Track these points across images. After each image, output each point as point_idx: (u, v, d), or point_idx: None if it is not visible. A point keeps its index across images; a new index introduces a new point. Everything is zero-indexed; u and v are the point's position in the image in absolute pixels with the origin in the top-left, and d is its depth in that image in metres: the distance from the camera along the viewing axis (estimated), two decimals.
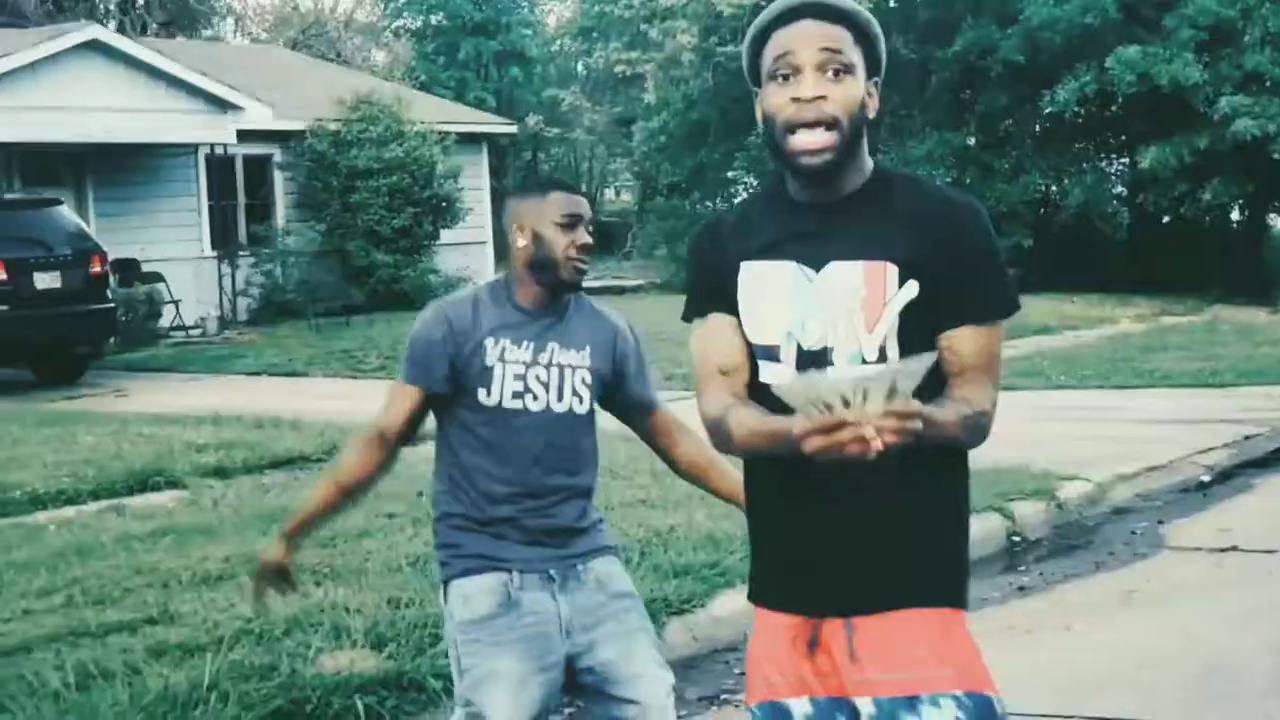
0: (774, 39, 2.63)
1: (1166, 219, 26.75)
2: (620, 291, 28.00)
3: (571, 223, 3.60)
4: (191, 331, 21.83)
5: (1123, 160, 24.67)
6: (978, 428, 2.59)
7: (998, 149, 26.10)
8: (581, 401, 3.67)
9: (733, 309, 2.71)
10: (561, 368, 3.65)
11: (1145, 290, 24.05)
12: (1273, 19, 22.63)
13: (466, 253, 27.01)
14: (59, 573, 6.72)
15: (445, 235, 25.91)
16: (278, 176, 25.16)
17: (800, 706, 2.71)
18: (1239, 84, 22.52)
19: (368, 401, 13.23)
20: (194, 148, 23.06)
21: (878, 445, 2.29)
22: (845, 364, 2.58)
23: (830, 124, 2.56)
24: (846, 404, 2.30)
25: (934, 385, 2.52)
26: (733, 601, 6.08)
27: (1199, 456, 10.02)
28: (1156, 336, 18.63)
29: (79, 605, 6.10)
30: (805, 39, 2.59)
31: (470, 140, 27.90)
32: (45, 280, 15.88)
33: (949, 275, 2.60)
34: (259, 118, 22.50)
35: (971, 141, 26.24)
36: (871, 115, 2.62)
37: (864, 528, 2.64)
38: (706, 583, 6.41)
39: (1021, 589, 7.11)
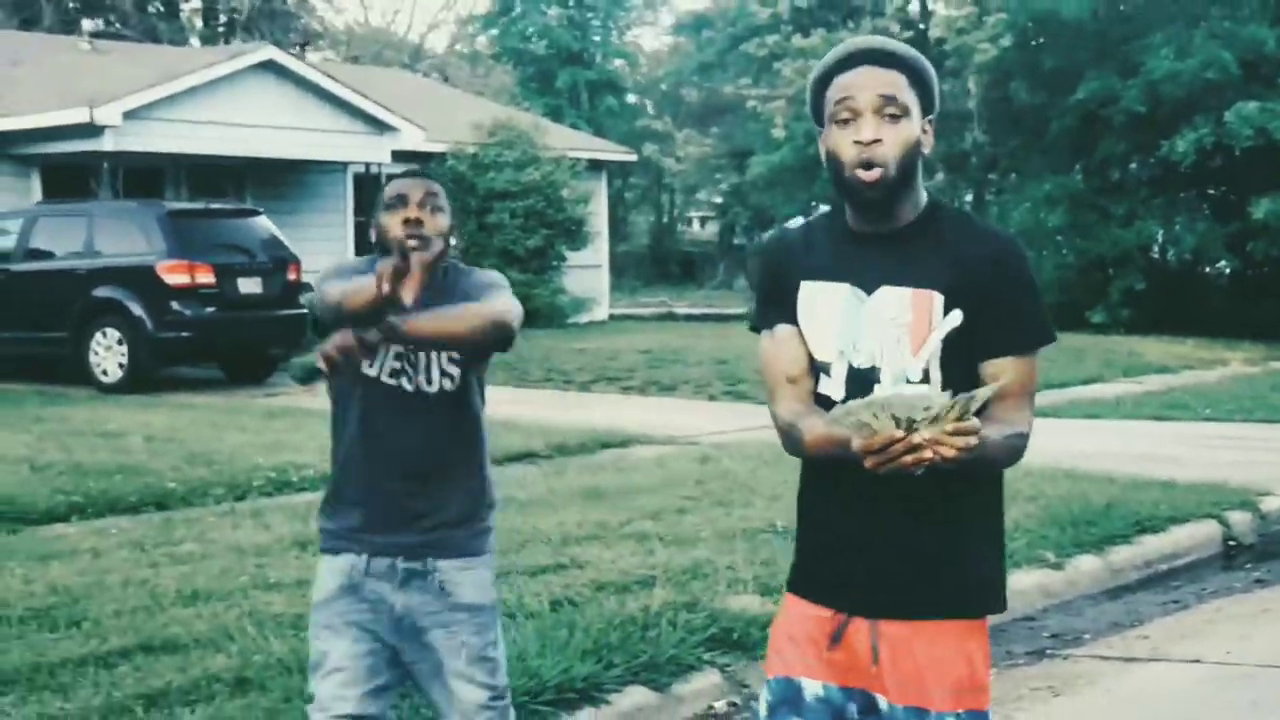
0: (835, 83, 2.85)
1: (1266, 269, 27.57)
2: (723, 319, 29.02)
3: (397, 203, 3.56)
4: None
5: (1234, 209, 25.48)
6: (1016, 449, 2.80)
7: (1113, 194, 26.99)
8: (453, 382, 3.63)
9: (796, 321, 2.91)
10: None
11: (1248, 335, 24.81)
12: None
13: (584, 275, 28.10)
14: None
15: (570, 257, 27.01)
16: None
17: (812, 687, 2.92)
18: None
19: (554, 409, 14.45)
20: (344, 165, 24.22)
21: (928, 457, 2.51)
22: (890, 383, 2.78)
23: (887, 165, 2.78)
24: (910, 423, 2.51)
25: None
26: None
27: None
28: (1277, 377, 19.48)
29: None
30: (864, 84, 2.81)
31: (593, 167, 29.06)
32: (248, 285, 16.98)
33: (991, 306, 2.79)
34: (413, 139, 23.68)
35: (1088, 185, 27.11)
36: (926, 152, 2.85)
37: (901, 536, 2.84)
38: None
39: (1259, 581, 8.09)
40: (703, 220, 62.39)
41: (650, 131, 49.91)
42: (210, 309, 16.57)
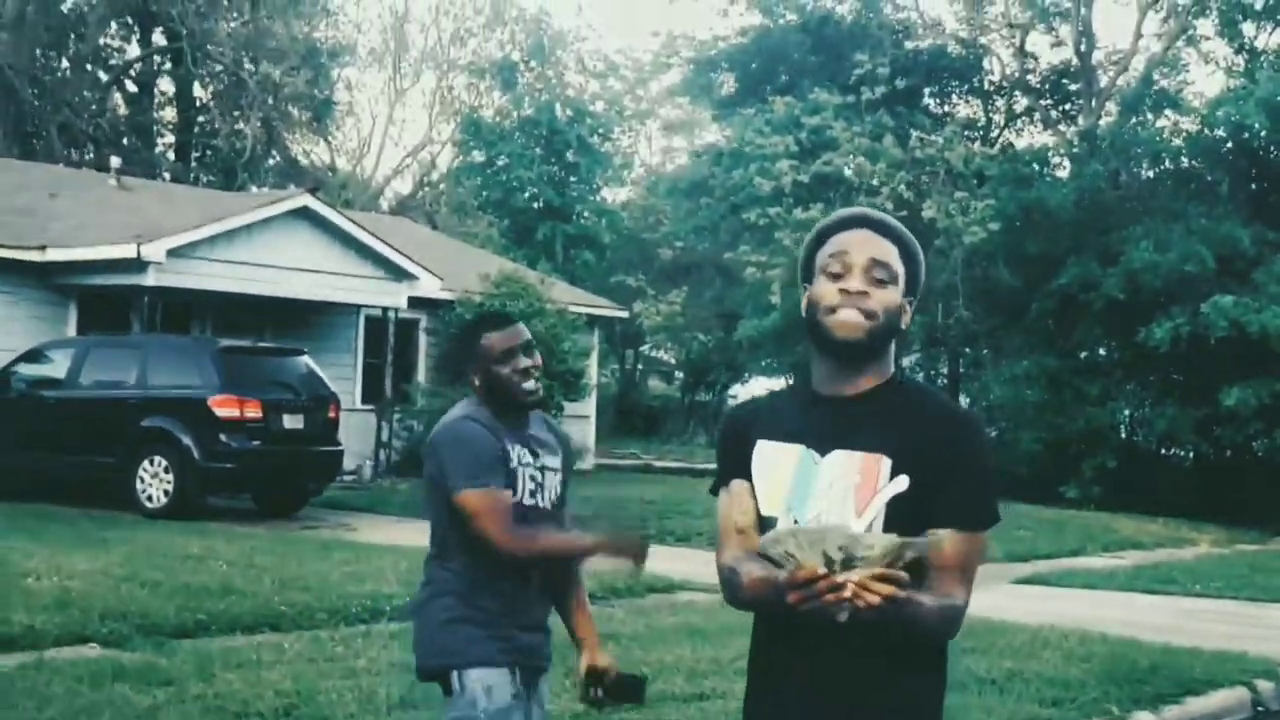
0: (832, 240, 2.94)
1: (1230, 454, 28.83)
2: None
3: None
4: (347, 477, 23.67)
5: (1203, 396, 26.78)
6: (952, 620, 2.80)
7: (1088, 375, 28.29)
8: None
9: (750, 478, 2.97)
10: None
11: (1211, 517, 25.86)
12: None
13: (576, 426, 28.98)
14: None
15: (567, 408, 27.91)
16: (422, 340, 27.25)
17: None
18: None
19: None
20: (358, 308, 25.13)
21: (847, 597, 2.52)
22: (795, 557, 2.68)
23: (869, 315, 2.85)
24: (841, 561, 2.51)
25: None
26: None
27: None
28: (1251, 558, 20.55)
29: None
30: (859, 244, 2.90)
31: (588, 322, 30.15)
32: (291, 421, 17.83)
33: (940, 478, 2.80)
34: (429, 287, 24.70)
35: (1064, 365, 28.41)
36: (904, 327, 2.92)
37: (831, 689, 2.83)
38: None
39: None
40: (668, 376, 63.46)
41: (624, 286, 51.00)
42: (256, 442, 17.36)
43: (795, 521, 2.82)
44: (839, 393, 2.90)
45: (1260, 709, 9.95)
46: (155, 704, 6.65)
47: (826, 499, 2.83)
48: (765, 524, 2.88)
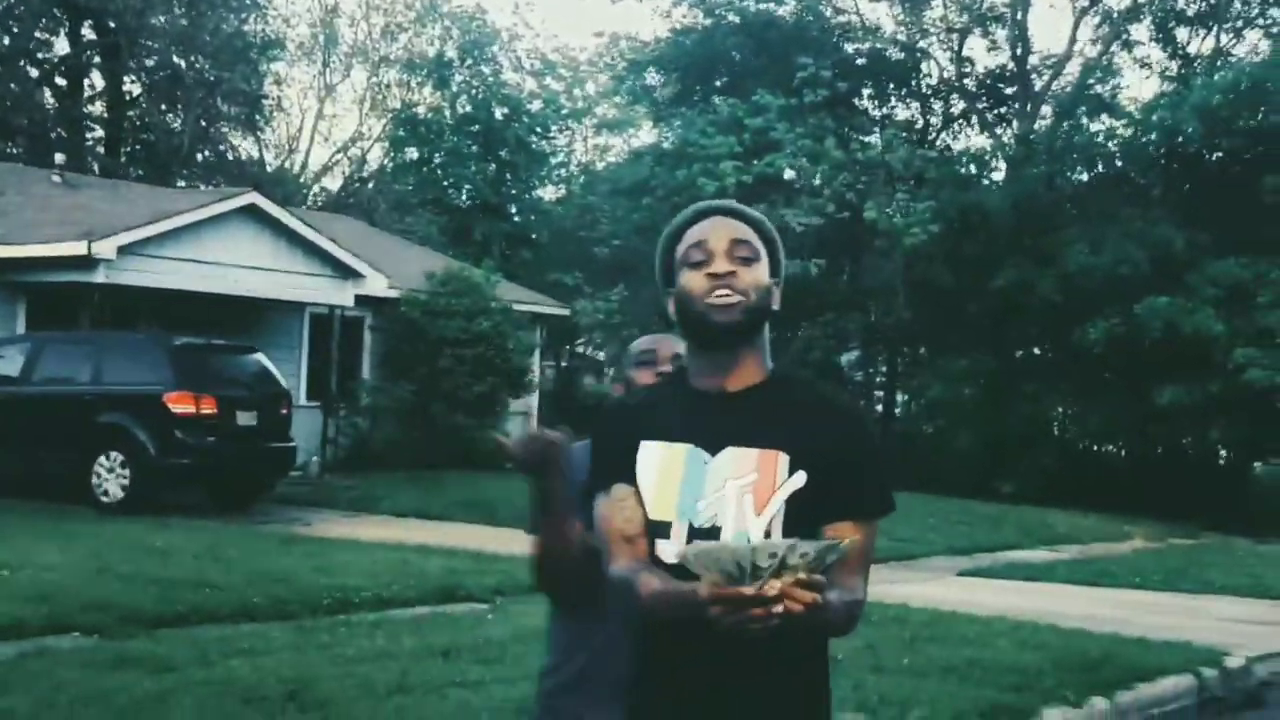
0: (688, 234, 2.88)
1: (1162, 451, 29.50)
2: None
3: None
4: (294, 474, 23.74)
5: (1137, 395, 27.36)
6: (853, 616, 2.71)
7: (1025, 373, 28.89)
8: None
9: (634, 482, 2.83)
10: None
11: (1144, 512, 26.44)
12: None
13: (516, 422, 29.21)
14: None
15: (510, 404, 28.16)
16: (367, 338, 27.36)
17: None
18: (1252, 338, 25.45)
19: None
20: (303, 306, 25.17)
21: (778, 610, 2.37)
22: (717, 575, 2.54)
23: (742, 293, 2.78)
24: (755, 571, 2.39)
25: None
26: None
27: None
28: (1186, 552, 21.08)
29: None
30: (717, 230, 2.84)
31: (532, 320, 30.42)
32: (245, 418, 17.97)
33: (834, 472, 2.74)
34: (376, 286, 24.82)
35: (1001, 364, 28.97)
36: (775, 307, 2.86)
37: (725, 706, 2.73)
38: None
39: None
40: (601, 374, 63.80)
41: (561, 285, 51.24)
42: (211, 438, 17.49)
43: (690, 525, 2.75)
44: (721, 387, 2.83)
45: (1206, 694, 10.34)
46: (165, 690, 6.83)
47: (720, 498, 2.75)
48: (656, 528, 2.78)
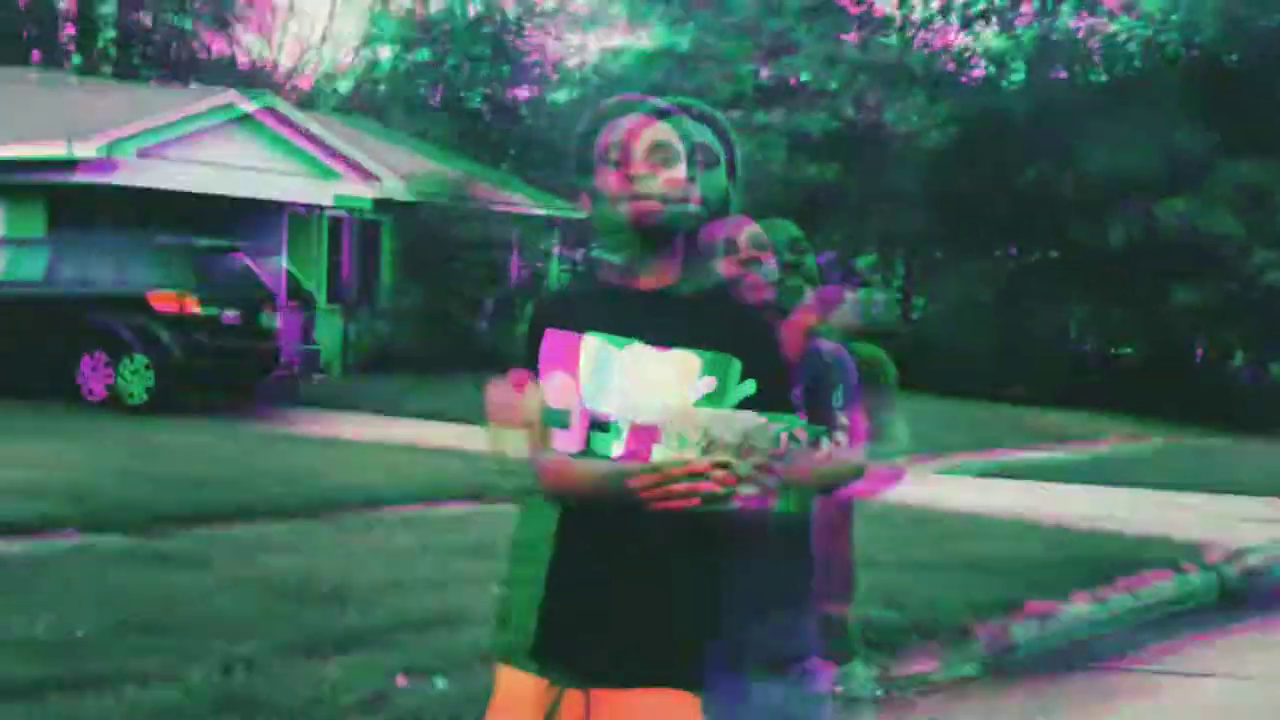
0: (605, 129, 2.84)
1: (1177, 351, 29.55)
2: None
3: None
4: (315, 376, 23.79)
5: (1154, 297, 27.34)
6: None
7: (1041, 274, 28.90)
8: None
9: (537, 370, 2.86)
10: None
11: (1158, 413, 26.38)
12: None
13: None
14: None
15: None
16: (386, 242, 27.33)
17: None
18: (1272, 240, 25.42)
19: None
20: (321, 209, 25.05)
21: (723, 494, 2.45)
22: (675, 443, 2.61)
23: (658, 198, 2.75)
24: (744, 445, 2.43)
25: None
26: None
27: None
28: (1203, 450, 21.24)
29: None
30: (636, 130, 2.80)
31: (547, 223, 30.44)
32: (230, 317, 18.11)
33: (747, 374, 2.75)
34: (393, 189, 24.78)
35: (1016, 267, 28.99)
36: (692, 208, 2.80)
37: (617, 600, 2.73)
38: None
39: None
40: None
41: (575, 187, 50.85)
42: (196, 336, 17.63)
43: (591, 416, 2.77)
44: (634, 286, 2.82)
45: (1186, 588, 10.39)
46: (208, 588, 6.97)
47: (626, 391, 2.75)
48: (556, 417, 2.79)
